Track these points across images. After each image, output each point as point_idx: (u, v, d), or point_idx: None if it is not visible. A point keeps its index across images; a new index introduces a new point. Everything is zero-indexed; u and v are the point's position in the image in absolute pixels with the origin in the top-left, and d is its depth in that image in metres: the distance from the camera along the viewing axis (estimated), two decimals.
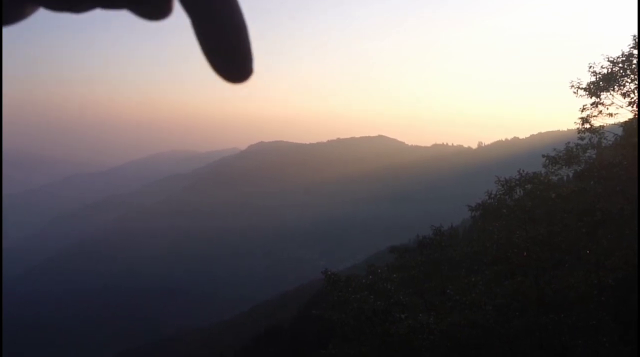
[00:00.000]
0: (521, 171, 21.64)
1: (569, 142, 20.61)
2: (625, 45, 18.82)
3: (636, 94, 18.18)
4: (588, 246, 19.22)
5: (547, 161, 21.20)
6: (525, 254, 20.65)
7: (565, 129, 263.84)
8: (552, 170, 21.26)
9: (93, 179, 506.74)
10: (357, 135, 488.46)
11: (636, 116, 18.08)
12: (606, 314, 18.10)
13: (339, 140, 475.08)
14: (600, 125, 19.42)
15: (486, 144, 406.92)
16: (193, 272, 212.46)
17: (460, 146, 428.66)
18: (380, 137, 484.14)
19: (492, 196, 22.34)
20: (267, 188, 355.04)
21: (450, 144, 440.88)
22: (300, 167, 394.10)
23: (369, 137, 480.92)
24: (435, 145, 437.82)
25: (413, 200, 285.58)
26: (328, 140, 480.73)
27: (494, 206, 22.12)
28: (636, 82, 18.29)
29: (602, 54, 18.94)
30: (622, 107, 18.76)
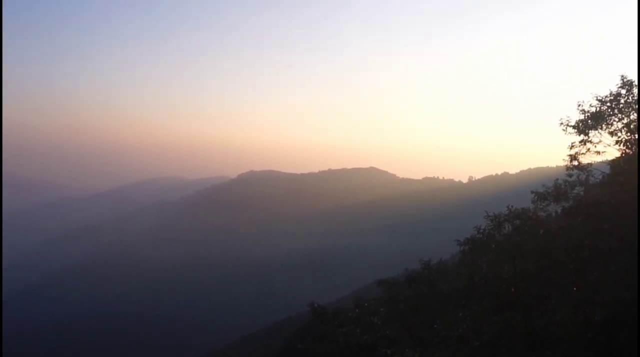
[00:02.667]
0: (510, 207, 21.79)
1: (557, 179, 20.85)
2: (613, 84, 19.30)
3: (624, 133, 18.54)
4: (576, 282, 19.26)
5: (536, 197, 21.39)
6: (513, 289, 20.63)
7: (554, 166, 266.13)
8: (541, 206, 21.43)
9: (80, 204, 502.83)
10: (349, 167, 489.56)
11: (623, 155, 18.41)
12: (592, 353, 18.01)
13: (330, 171, 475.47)
14: (588, 163, 19.73)
15: (477, 178, 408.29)
16: (180, 301, 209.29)
17: (451, 180, 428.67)
18: (372, 169, 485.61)
19: (481, 230, 22.39)
20: (257, 217, 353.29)
21: (441, 177, 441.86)
22: (291, 198, 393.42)
23: (361, 168, 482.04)
24: (426, 179, 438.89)
25: (403, 233, 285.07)
26: (319, 171, 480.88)
27: (482, 241, 22.15)
28: (624, 121, 18.70)
29: (591, 93, 19.42)
30: (609, 146, 19.13)
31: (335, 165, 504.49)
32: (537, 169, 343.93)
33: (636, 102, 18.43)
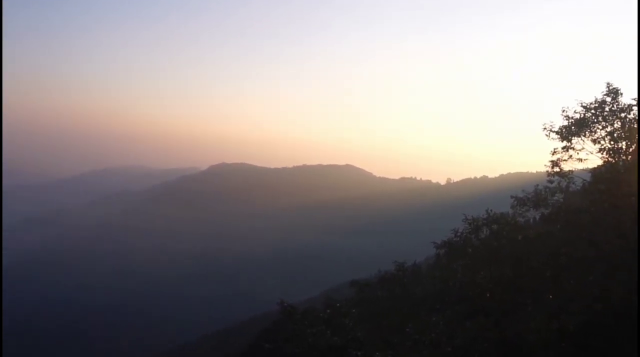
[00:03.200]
0: (489, 211, 22.04)
1: (537, 185, 21.12)
2: (598, 91, 19.55)
3: (607, 141, 18.86)
4: (552, 289, 19.56)
5: (515, 202, 21.63)
6: (489, 294, 20.89)
7: (534, 171, 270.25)
8: (520, 211, 21.69)
9: (40, 191, 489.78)
10: (325, 163, 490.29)
11: (606, 163, 18.75)
12: None
13: (305, 167, 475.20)
14: (569, 170, 20.00)
15: (455, 180, 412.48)
16: (138, 295, 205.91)
17: (429, 181, 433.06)
18: (348, 166, 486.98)
19: (459, 234, 22.60)
20: (228, 211, 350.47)
21: (418, 178, 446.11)
22: (264, 192, 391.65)
23: (337, 165, 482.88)
24: (403, 179, 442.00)
25: (377, 233, 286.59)
26: (294, 166, 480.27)
27: (459, 245, 22.37)
28: (607, 130, 19.03)
29: (576, 99, 19.69)
30: (591, 153, 19.44)
31: (310, 161, 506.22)
32: (517, 174, 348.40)
33: (621, 110, 18.75)
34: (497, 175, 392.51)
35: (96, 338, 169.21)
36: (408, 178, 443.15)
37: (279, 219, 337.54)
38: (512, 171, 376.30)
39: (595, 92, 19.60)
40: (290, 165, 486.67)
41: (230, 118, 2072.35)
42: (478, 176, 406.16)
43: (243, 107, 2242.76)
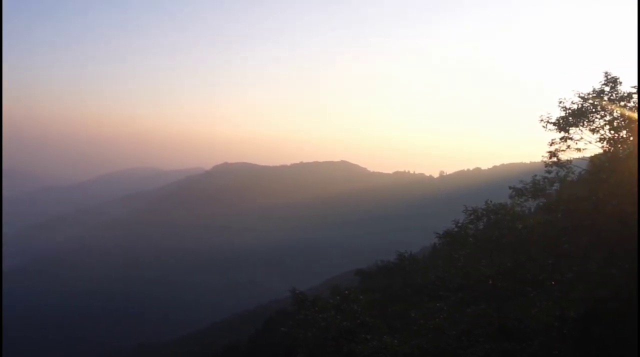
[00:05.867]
0: (488, 201, 21.62)
1: (535, 175, 20.64)
2: (596, 81, 19.05)
3: (606, 130, 18.36)
4: (552, 277, 19.15)
5: (514, 193, 21.15)
6: (490, 282, 20.50)
7: (528, 162, 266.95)
8: (518, 202, 21.22)
9: (62, 193, 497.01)
10: (321, 160, 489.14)
11: (606, 151, 18.26)
12: (568, 347, 17.97)
13: (302, 164, 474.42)
14: (567, 160, 19.50)
15: (448, 173, 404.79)
16: (149, 290, 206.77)
17: (422, 175, 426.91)
18: (343, 162, 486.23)
19: (459, 224, 22.20)
20: (231, 209, 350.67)
21: (412, 172, 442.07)
22: (264, 190, 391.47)
23: (332, 162, 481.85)
24: (396, 173, 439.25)
25: (372, 226, 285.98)
26: (292, 164, 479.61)
27: (460, 234, 21.98)
28: (606, 119, 18.52)
29: (573, 90, 19.17)
30: (590, 143, 18.94)
31: (307, 158, 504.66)
32: (511, 165, 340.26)
33: (621, 98, 18.21)
34: (490, 166, 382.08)
35: (115, 323, 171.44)
36: (402, 172, 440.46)
37: (280, 215, 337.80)
38: (506, 162, 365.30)
39: (593, 83, 19.09)
40: (288, 163, 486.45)
41: (230, 119, 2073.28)
42: (471, 168, 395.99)
43: (242, 108, 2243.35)
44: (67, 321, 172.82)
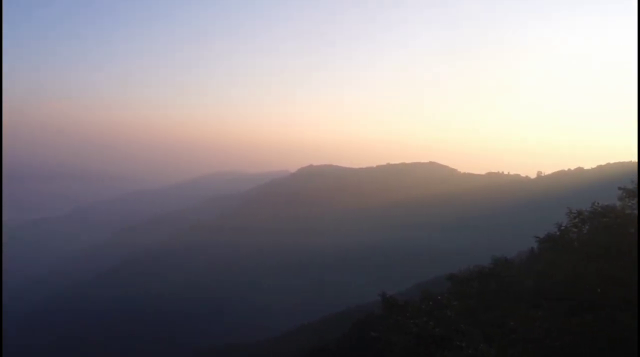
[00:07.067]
0: (595, 204, 20.40)
1: None
2: None
3: None
4: None
5: (624, 194, 19.80)
6: (599, 291, 19.29)
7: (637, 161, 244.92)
8: (629, 203, 19.82)
9: (151, 196, 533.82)
10: (408, 161, 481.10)
11: None
12: None
13: (388, 166, 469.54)
14: None
15: (546, 173, 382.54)
16: (234, 293, 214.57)
17: (517, 175, 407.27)
18: (432, 163, 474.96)
19: (562, 228, 21.13)
20: (316, 211, 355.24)
21: (506, 172, 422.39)
22: (350, 192, 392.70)
23: (420, 163, 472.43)
24: (489, 174, 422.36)
25: (463, 230, 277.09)
26: (377, 166, 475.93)
27: (564, 239, 20.91)
28: None
29: None
30: None
31: (393, 160, 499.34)
32: (618, 164, 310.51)
33: None
34: (594, 166, 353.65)
35: (201, 324, 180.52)
36: (495, 173, 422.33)
37: (366, 217, 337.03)
38: (612, 161, 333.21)
39: None
40: (374, 165, 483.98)
41: (315, 122, 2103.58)
42: (572, 168, 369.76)
43: (327, 110, 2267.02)
44: (154, 321, 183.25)
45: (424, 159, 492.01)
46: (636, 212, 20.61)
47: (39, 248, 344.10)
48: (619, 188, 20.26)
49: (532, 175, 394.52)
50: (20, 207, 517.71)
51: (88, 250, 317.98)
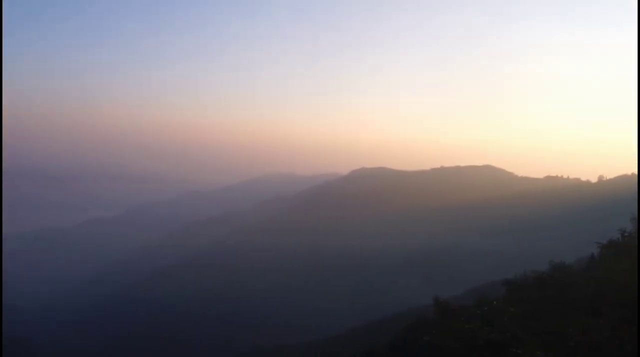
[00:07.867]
0: None
1: None
2: None
3: None
4: None
5: None
6: None
7: None
8: None
9: (205, 197, 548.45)
10: (463, 164, 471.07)
11: None
12: None
13: (442, 169, 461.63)
14: None
15: (608, 178, 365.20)
16: (286, 295, 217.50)
17: (578, 179, 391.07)
18: (487, 167, 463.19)
19: (626, 234, 20.58)
20: (368, 214, 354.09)
21: (566, 176, 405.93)
22: (402, 195, 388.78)
23: (475, 166, 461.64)
24: (548, 178, 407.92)
25: (520, 234, 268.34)
26: (431, 169, 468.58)
27: (628, 245, 20.36)
28: None
29: None
30: None
31: (448, 163, 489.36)
32: None
33: None
34: None
35: (251, 325, 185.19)
36: (554, 177, 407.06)
37: (418, 220, 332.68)
38: None
39: None
40: (427, 167, 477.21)
41: (368, 124, 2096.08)
42: (635, 172, 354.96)
43: (380, 112, 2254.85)
44: (206, 321, 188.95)
45: (480, 162, 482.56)
46: None
47: (94, 248, 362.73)
48: None
49: (594, 179, 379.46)
50: (81, 207, 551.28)
51: (144, 250, 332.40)
